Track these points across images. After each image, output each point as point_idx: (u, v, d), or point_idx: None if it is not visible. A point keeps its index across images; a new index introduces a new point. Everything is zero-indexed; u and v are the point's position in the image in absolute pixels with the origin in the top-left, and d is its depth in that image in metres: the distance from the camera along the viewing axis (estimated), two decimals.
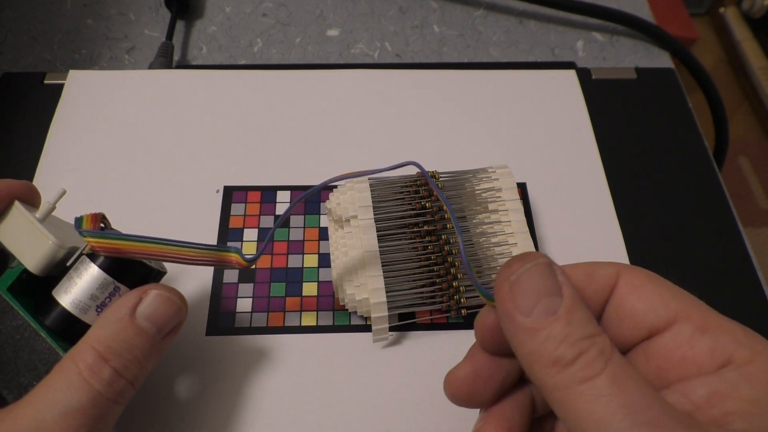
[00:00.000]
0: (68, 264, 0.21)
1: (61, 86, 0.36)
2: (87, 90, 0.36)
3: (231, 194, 0.32)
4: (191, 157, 0.33)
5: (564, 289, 0.17)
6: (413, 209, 0.28)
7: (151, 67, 0.38)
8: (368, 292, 0.26)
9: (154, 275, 0.22)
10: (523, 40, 0.42)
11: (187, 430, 0.25)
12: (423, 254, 0.27)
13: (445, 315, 0.28)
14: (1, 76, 0.37)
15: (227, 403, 0.26)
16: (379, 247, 0.27)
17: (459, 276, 0.27)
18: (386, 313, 0.26)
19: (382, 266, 0.27)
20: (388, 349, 0.27)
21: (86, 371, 0.19)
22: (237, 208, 0.31)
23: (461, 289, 0.27)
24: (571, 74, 0.37)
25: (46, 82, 0.37)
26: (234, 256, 0.22)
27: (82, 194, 0.32)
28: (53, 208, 0.22)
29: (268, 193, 0.32)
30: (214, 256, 0.22)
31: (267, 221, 0.31)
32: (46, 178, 0.32)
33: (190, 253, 0.21)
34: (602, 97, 0.37)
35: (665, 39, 0.41)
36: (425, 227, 0.28)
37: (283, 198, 0.32)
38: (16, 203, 0.22)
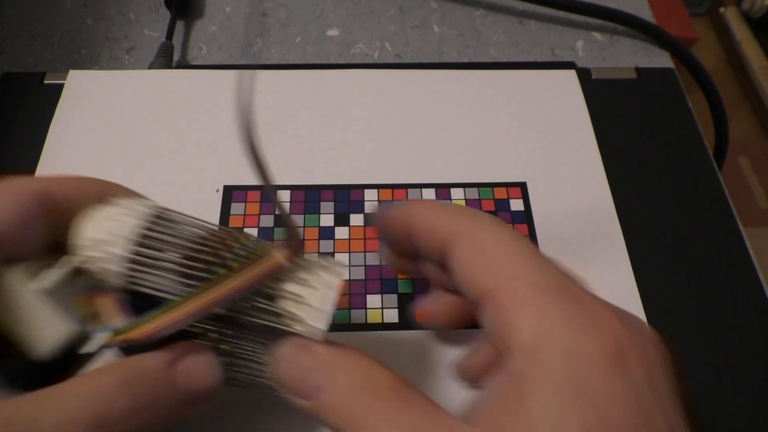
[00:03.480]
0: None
1: (61, 86, 0.36)
2: (87, 90, 0.36)
3: (231, 194, 0.32)
4: (191, 156, 0.33)
5: None
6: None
7: (151, 67, 0.38)
8: None
9: None
10: (523, 40, 0.42)
11: (186, 430, 0.25)
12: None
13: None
14: (1, 76, 0.37)
15: (226, 402, 0.26)
16: None
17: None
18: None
19: None
20: (388, 348, 0.27)
21: None
22: (237, 208, 0.31)
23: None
24: (571, 74, 0.37)
25: (46, 82, 0.37)
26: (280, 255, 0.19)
27: None
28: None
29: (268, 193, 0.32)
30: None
31: (267, 221, 0.31)
32: None
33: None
34: (602, 97, 0.37)
35: (665, 39, 0.41)
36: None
37: (283, 198, 0.32)
38: (18, 268, 0.18)
